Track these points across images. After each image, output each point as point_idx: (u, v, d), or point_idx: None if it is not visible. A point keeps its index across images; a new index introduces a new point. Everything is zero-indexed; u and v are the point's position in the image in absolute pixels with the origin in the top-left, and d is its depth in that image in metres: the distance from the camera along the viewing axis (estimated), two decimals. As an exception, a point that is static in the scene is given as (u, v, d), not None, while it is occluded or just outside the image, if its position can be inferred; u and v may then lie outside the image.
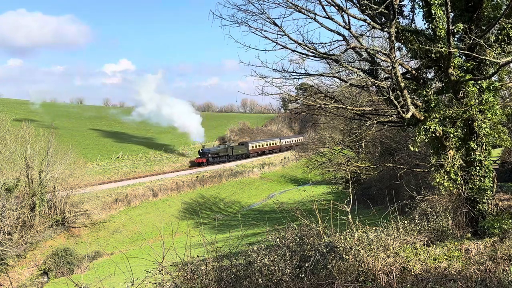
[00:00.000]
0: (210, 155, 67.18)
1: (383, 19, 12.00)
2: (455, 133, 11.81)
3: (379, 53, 12.65)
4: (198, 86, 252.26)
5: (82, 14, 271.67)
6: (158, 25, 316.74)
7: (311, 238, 8.53)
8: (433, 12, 11.39)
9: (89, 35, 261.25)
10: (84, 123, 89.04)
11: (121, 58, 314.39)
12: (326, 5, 10.92)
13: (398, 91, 11.78)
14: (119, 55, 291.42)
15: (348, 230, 8.82)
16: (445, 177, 11.60)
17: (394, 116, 12.90)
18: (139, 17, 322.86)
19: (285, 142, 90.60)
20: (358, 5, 11.84)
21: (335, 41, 12.01)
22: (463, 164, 11.96)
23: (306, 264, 7.54)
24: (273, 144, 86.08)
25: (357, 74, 12.62)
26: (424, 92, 12.06)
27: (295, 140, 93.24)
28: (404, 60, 13.19)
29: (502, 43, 11.77)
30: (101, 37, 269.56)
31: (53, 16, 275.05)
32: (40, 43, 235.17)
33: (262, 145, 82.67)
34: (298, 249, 8.19)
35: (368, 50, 12.30)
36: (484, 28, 11.61)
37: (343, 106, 13.20)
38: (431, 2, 11.37)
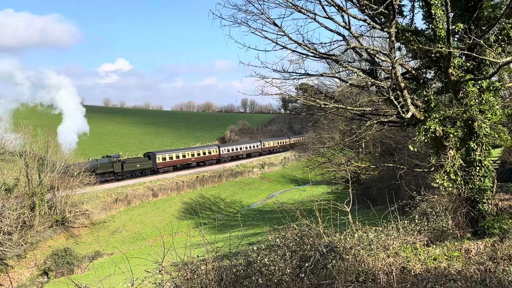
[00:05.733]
0: None
1: (383, 19, 12.00)
2: (455, 133, 11.81)
3: (379, 53, 12.65)
4: (193, 86, 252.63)
5: (69, 13, 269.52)
6: (151, 24, 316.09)
7: (311, 238, 8.53)
8: (433, 12, 11.40)
9: (77, 34, 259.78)
10: None
11: (114, 58, 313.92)
12: (326, 5, 10.94)
13: (398, 91, 11.78)
14: (113, 54, 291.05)
15: (348, 230, 8.83)
16: (445, 177, 11.59)
17: (394, 116, 12.89)
18: (129, 17, 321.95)
19: (228, 150, 66.95)
20: (358, 5, 11.84)
21: (335, 41, 12.04)
22: (463, 164, 11.95)
23: (306, 264, 7.54)
24: (205, 153, 63.41)
25: (357, 74, 12.61)
26: (424, 92, 12.06)
27: (246, 148, 70.35)
28: (404, 60, 13.17)
29: (502, 43, 11.78)
30: (90, 36, 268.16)
31: (40, 15, 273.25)
32: (28, 43, 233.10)
33: (184, 156, 59.48)
34: (298, 249, 8.20)
35: (368, 50, 12.30)
36: (484, 28, 11.61)
37: (343, 106, 13.18)
38: (431, 2, 11.37)
